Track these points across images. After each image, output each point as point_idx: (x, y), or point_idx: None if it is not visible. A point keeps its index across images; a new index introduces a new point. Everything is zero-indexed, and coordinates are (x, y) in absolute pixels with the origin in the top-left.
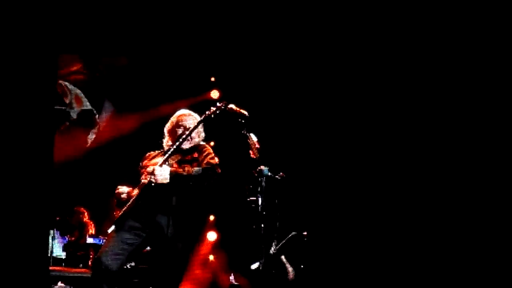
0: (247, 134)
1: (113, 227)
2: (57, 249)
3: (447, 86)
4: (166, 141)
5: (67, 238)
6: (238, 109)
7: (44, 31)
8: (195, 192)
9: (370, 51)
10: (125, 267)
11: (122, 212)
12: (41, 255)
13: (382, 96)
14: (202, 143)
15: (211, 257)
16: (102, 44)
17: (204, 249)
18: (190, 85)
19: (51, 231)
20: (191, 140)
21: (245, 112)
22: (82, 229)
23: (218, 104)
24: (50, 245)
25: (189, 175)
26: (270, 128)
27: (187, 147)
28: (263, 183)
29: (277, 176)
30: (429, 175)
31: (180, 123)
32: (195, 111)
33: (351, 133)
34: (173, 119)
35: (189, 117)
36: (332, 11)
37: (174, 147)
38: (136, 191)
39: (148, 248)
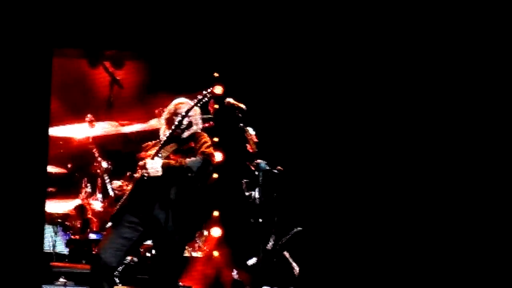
0: (245, 127)
1: (110, 223)
2: (60, 245)
3: (447, 86)
4: (163, 131)
5: (69, 234)
6: (236, 102)
7: (38, 22)
8: (190, 183)
9: (371, 47)
10: (126, 262)
11: (117, 207)
12: (35, 252)
13: (382, 88)
14: (199, 131)
15: (216, 253)
16: (104, 38)
17: (208, 245)
18: (193, 80)
19: (54, 227)
20: (189, 129)
21: (243, 106)
22: (85, 225)
23: (207, 90)
24: (53, 241)
25: (181, 167)
26: (269, 122)
27: (184, 136)
28: (260, 177)
29: (274, 170)
30: (428, 168)
31: (177, 111)
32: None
33: (349, 127)
34: (170, 107)
35: (187, 105)
36: (338, 8)
37: (165, 138)
38: (130, 186)
39: (149, 242)
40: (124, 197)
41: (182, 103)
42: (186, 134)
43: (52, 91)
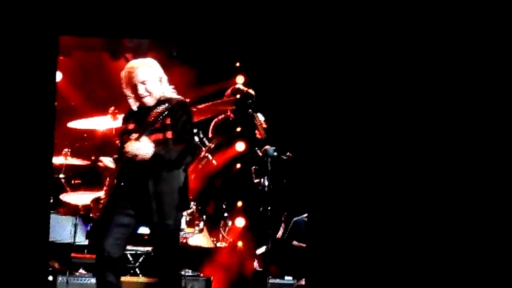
0: (254, 113)
1: (104, 212)
2: (80, 237)
3: (447, 86)
4: (134, 101)
5: (89, 226)
6: (245, 88)
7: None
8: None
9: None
10: (147, 252)
11: (105, 197)
12: (40, 244)
13: (396, 74)
14: (175, 96)
15: (240, 244)
16: (121, 25)
17: (232, 235)
18: (215, 70)
19: (73, 219)
20: (151, 95)
21: (252, 92)
22: None
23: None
24: (73, 232)
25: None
26: (283, 108)
27: (151, 106)
28: (269, 164)
29: (283, 157)
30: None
31: (133, 81)
32: (218, 97)
33: (360, 114)
34: (123, 74)
35: (139, 69)
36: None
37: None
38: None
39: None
40: (111, 187)
41: (132, 69)
42: (151, 101)
43: (75, 85)
